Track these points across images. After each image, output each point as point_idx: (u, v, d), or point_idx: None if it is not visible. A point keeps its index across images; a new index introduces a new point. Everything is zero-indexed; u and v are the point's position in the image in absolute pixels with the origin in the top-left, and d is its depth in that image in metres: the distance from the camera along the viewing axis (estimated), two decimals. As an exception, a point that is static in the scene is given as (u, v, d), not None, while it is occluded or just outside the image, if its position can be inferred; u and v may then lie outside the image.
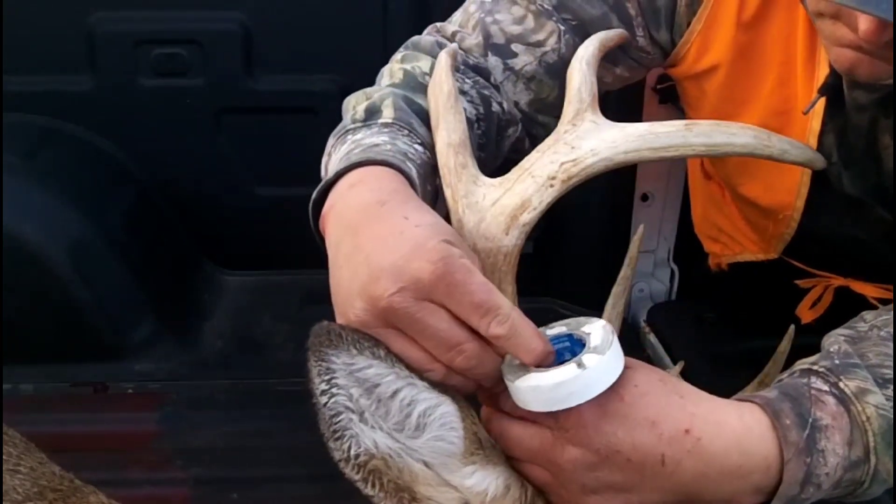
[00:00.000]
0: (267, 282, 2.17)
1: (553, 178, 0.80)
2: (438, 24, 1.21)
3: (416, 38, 1.17)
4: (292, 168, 2.13)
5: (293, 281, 2.16)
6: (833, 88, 1.04)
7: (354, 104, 1.05)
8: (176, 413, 1.76)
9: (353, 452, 0.73)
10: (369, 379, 0.73)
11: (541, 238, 2.04)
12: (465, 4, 1.20)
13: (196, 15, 1.99)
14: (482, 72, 1.14)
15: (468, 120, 1.03)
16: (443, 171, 0.83)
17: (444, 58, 0.86)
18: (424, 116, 0.98)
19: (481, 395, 0.83)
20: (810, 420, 0.81)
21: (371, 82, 2.07)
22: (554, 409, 0.74)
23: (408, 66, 1.08)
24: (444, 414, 0.75)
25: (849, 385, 0.83)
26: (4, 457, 1.07)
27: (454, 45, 0.88)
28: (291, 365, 1.92)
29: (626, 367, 0.80)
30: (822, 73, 1.07)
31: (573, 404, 0.74)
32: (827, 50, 0.94)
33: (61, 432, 1.65)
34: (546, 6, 1.13)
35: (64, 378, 1.82)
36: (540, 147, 0.82)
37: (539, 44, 1.12)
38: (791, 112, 1.13)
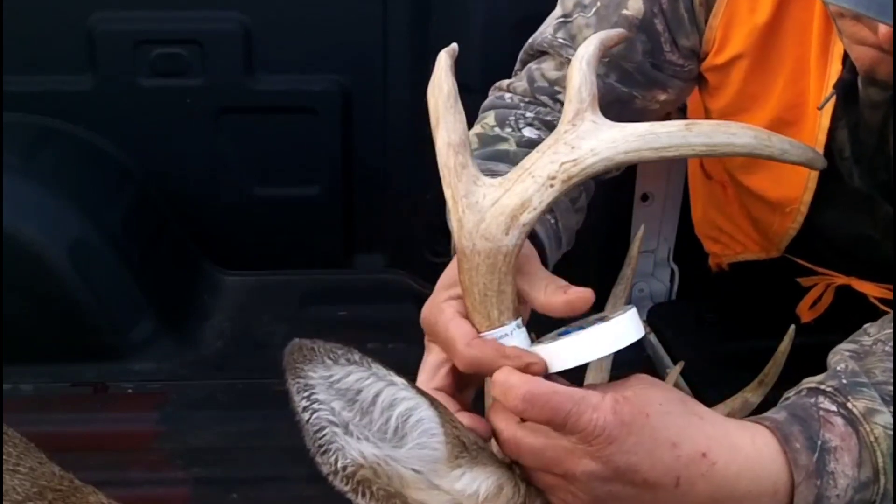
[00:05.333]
0: (267, 282, 2.17)
1: (553, 178, 0.79)
2: (497, 83, 1.33)
3: (483, 104, 1.31)
4: (292, 168, 2.14)
5: (293, 281, 2.16)
6: (847, 85, 1.05)
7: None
8: (176, 413, 1.76)
9: (340, 465, 0.74)
10: (350, 387, 0.73)
11: (541, 238, 2.04)
12: (521, 65, 1.32)
13: (196, 15, 2.00)
14: (539, 104, 1.24)
15: (541, 140, 1.13)
16: (442, 170, 0.82)
17: (443, 57, 0.86)
18: (506, 159, 1.13)
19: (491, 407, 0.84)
20: (819, 442, 0.81)
21: (371, 82, 2.09)
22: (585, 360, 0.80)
23: (478, 129, 1.22)
24: (423, 419, 0.75)
25: (857, 405, 0.83)
26: (4, 457, 1.07)
27: (454, 44, 0.88)
28: (291, 365, 1.92)
29: (648, 386, 0.81)
30: (835, 68, 1.08)
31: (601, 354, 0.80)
32: (848, 48, 0.95)
33: (61, 432, 1.65)
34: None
35: (64, 378, 1.82)
36: (540, 147, 0.82)
37: None
38: (803, 106, 1.15)
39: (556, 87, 1.23)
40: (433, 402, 0.76)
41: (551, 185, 0.79)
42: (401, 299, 2.08)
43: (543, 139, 1.18)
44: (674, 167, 1.93)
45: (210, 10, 2.00)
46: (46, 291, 1.81)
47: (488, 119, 1.22)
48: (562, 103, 1.23)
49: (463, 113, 0.85)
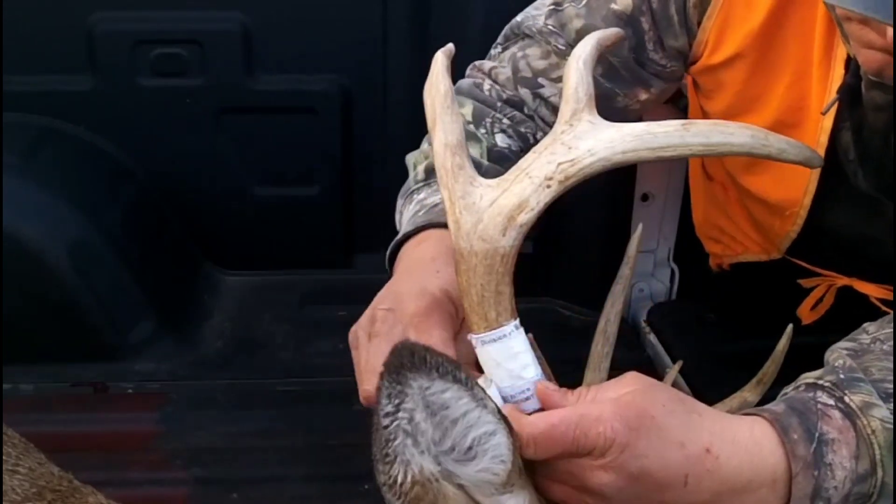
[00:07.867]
0: (267, 282, 2.17)
1: (550, 178, 0.79)
2: (478, 63, 1.31)
3: (459, 83, 1.28)
4: (292, 168, 2.14)
5: (293, 281, 2.16)
6: (851, 89, 1.05)
7: (415, 163, 1.21)
8: (176, 413, 1.76)
9: (400, 480, 0.71)
10: (443, 402, 0.70)
11: (541, 238, 2.04)
12: (504, 41, 1.30)
13: (196, 15, 2.00)
14: (516, 104, 1.24)
15: (511, 152, 1.19)
16: (439, 172, 0.82)
17: (440, 58, 0.86)
18: (475, 163, 1.12)
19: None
20: (817, 434, 0.82)
21: (371, 82, 2.09)
22: None
23: None
24: (498, 445, 0.74)
25: (854, 399, 0.84)
26: (4, 457, 1.07)
27: (450, 44, 0.88)
28: (291, 365, 1.92)
29: (647, 386, 0.81)
30: (838, 72, 1.08)
31: None
32: (855, 52, 0.96)
33: (61, 432, 1.65)
34: (561, 46, 1.21)
35: (64, 378, 1.82)
36: (537, 148, 0.82)
37: (560, 79, 1.18)
38: (805, 109, 1.15)
39: (540, 80, 1.23)
40: (511, 430, 0.75)
41: (548, 186, 0.79)
42: (401, 299, 2.08)
43: (513, 150, 1.20)
44: (674, 167, 1.93)
45: (210, 10, 2.00)
46: (46, 291, 1.81)
47: (465, 110, 1.21)
48: (542, 99, 1.24)
49: (460, 113, 0.85)
